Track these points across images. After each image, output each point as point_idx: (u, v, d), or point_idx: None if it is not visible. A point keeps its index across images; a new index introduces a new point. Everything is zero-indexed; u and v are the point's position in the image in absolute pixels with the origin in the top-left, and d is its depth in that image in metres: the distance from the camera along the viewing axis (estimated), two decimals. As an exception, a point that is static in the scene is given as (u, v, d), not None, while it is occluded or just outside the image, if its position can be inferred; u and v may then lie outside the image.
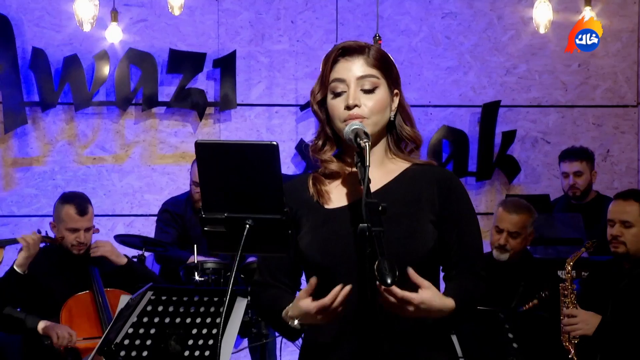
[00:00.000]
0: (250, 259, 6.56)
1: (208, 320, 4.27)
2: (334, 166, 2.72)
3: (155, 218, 7.03)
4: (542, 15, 6.06)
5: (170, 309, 4.16)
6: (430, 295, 2.48)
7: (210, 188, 2.33)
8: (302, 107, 7.87)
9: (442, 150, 7.93)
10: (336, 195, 2.69)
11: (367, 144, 2.49)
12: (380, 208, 2.34)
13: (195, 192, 6.67)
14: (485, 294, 2.71)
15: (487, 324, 4.07)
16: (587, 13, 6.68)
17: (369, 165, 2.44)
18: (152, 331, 4.15)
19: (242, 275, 6.07)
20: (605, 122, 8.19)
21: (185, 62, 7.70)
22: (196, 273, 5.87)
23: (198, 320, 4.24)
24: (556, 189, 7.66)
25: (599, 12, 7.41)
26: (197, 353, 4.27)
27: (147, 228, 7.48)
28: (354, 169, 2.69)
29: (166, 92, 7.74)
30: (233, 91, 7.74)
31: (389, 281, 2.24)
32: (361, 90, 2.67)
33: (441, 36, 8.04)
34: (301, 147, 7.83)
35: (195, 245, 6.10)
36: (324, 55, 7.76)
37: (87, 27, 5.29)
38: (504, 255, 5.21)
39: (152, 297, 4.08)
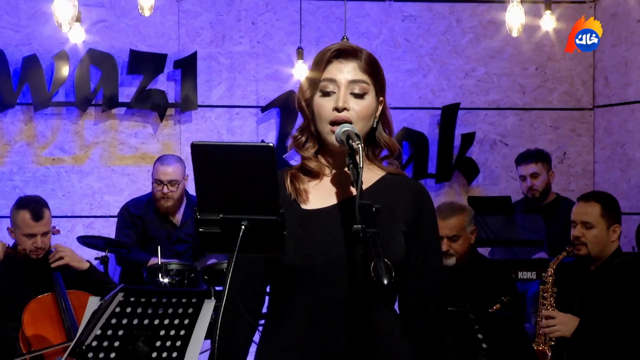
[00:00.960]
0: (211, 261, 6.57)
1: (176, 321, 4.23)
2: (314, 165, 2.72)
3: (115, 219, 6.99)
4: (515, 19, 6.10)
5: (139, 310, 4.13)
6: None
7: (205, 189, 2.33)
8: (263, 109, 7.88)
9: (402, 152, 7.97)
10: (314, 196, 2.69)
11: (359, 145, 2.50)
12: (374, 209, 2.35)
13: (157, 190, 6.66)
14: (450, 336, 2.76)
15: (456, 325, 4.10)
16: (547, 17, 6.74)
17: (362, 167, 2.45)
18: (120, 333, 4.12)
19: (205, 277, 6.07)
20: (562, 125, 8.28)
21: (145, 63, 7.68)
22: (160, 275, 5.86)
23: (166, 321, 4.21)
24: (514, 191, 7.75)
25: (558, 17, 7.48)
26: (164, 354, 4.24)
27: (107, 229, 7.44)
28: (334, 171, 2.72)
29: (126, 93, 7.71)
30: (194, 92, 7.73)
31: (385, 282, 2.26)
32: (351, 93, 2.67)
33: (401, 39, 8.08)
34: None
35: (159, 247, 6.08)
36: (285, 56, 7.85)
37: (65, 28, 5.25)
38: (450, 260, 5.21)
39: (122, 299, 4.07)
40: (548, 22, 6.95)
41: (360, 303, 2.58)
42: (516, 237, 6.67)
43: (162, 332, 4.21)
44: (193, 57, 7.73)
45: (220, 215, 2.31)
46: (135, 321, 4.13)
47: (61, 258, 5.70)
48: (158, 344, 4.20)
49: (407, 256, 2.65)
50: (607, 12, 8.13)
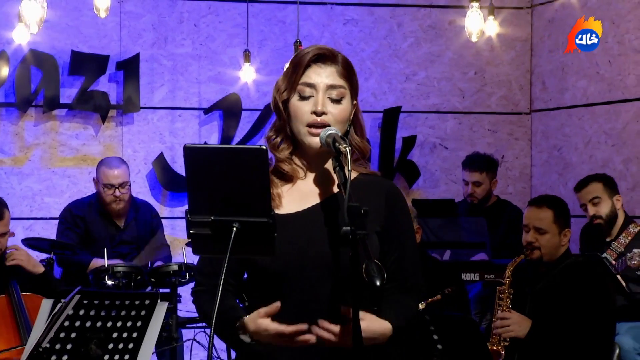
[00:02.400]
0: (158, 264, 6.56)
1: (129, 324, 4.23)
2: (288, 167, 2.74)
3: (56, 222, 6.94)
4: (474, 24, 6.18)
5: (92, 312, 4.12)
6: (366, 325, 2.53)
7: (198, 191, 2.34)
8: (206, 111, 7.88)
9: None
10: (288, 200, 2.70)
11: (347, 149, 2.53)
12: (362, 211, 2.38)
13: (108, 195, 6.63)
14: (418, 305, 2.81)
15: (411, 326, 4.15)
16: (491, 22, 6.83)
17: (351, 170, 2.47)
18: (73, 335, 4.11)
19: (152, 279, 6.06)
20: (500, 129, 8.41)
21: (87, 64, 7.62)
22: (106, 277, 5.83)
23: (119, 324, 4.20)
24: (454, 194, 7.85)
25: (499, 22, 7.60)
26: (116, 357, 4.24)
27: (48, 231, 7.37)
28: (308, 173, 2.75)
29: (67, 94, 7.65)
30: (136, 94, 7.69)
31: (377, 283, 2.29)
32: (328, 98, 2.70)
33: (343, 42, 8.13)
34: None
35: (105, 250, 6.05)
36: (228, 59, 7.83)
37: (34, 29, 5.20)
38: None
39: (76, 301, 4.05)
40: (492, 27, 7.05)
41: (342, 304, 2.59)
42: (459, 239, 6.75)
43: (115, 335, 4.20)
44: (136, 58, 7.69)
45: (212, 218, 2.33)
46: (89, 323, 4.12)
47: (15, 260, 5.62)
48: (111, 346, 4.19)
49: (382, 256, 2.68)
50: (543, 18, 8.27)
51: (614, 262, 5.71)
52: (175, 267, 6.04)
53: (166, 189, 7.83)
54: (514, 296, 4.86)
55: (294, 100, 2.72)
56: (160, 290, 5.96)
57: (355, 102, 2.79)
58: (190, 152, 2.34)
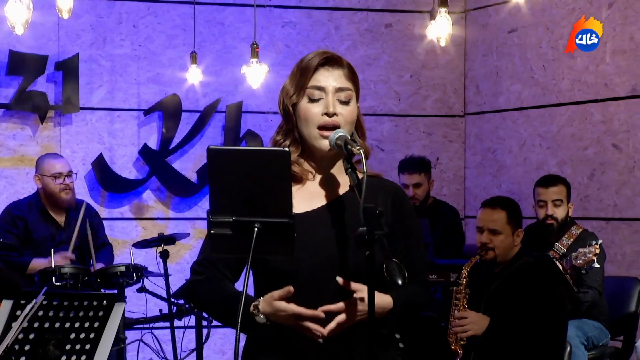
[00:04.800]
0: (100, 264, 6.54)
1: (87, 324, 4.24)
2: (298, 169, 2.78)
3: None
4: (442, 29, 6.25)
5: (51, 313, 4.12)
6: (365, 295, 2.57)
7: (219, 192, 2.38)
8: (146, 112, 7.87)
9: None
10: (298, 200, 2.69)
11: (361, 151, 2.59)
12: (377, 212, 2.44)
13: (57, 184, 6.63)
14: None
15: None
16: (433, 26, 6.91)
17: (366, 172, 2.52)
18: (31, 336, 4.10)
19: (99, 280, 6.04)
20: (435, 131, 8.54)
21: (25, 64, 7.55)
22: (54, 278, 5.80)
23: (77, 324, 4.20)
24: (390, 195, 7.93)
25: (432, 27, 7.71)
26: (74, 358, 4.24)
27: (-17, 233, 7.29)
28: (317, 175, 2.80)
29: (5, 94, 7.58)
30: (76, 94, 7.65)
31: (399, 282, 2.35)
32: (337, 100, 2.76)
33: (281, 45, 8.19)
34: (145, 152, 7.82)
35: (52, 250, 6.02)
36: (166, 60, 7.82)
37: (19, 31, 5.15)
38: None
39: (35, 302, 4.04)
40: (434, 31, 7.14)
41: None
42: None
43: (73, 335, 4.20)
44: (75, 59, 7.65)
45: (233, 218, 2.37)
46: (47, 324, 4.11)
47: None
48: (68, 347, 4.19)
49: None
50: (477, 22, 8.42)
51: (557, 264, 5.84)
52: (123, 268, 6.04)
53: (105, 189, 7.80)
54: (469, 296, 4.96)
55: (304, 103, 2.78)
56: (107, 291, 5.97)
57: (357, 104, 2.85)
58: (214, 154, 2.38)
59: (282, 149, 2.44)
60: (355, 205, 2.60)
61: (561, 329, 4.83)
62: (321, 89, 2.77)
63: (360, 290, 2.58)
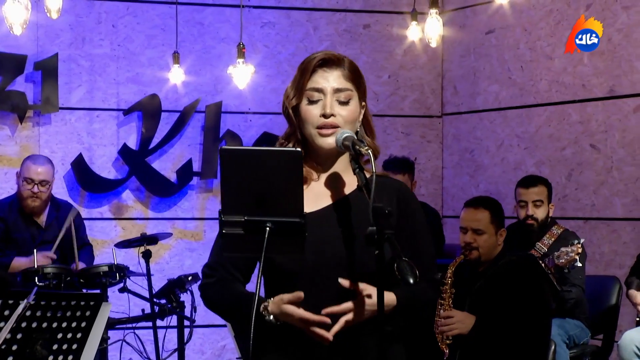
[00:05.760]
0: (80, 267, 6.53)
1: (74, 324, 4.24)
2: (304, 171, 2.79)
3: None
4: (433, 30, 6.28)
5: (38, 313, 4.12)
6: (372, 290, 2.60)
7: (231, 192, 2.40)
8: (126, 112, 7.86)
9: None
10: (304, 200, 2.69)
11: (369, 151, 2.61)
12: (386, 211, 2.46)
13: (26, 189, 6.56)
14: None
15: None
16: (414, 28, 6.95)
17: (375, 172, 2.53)
18: (19, 336, 4.10)
19: (81, 280, 6.04)
20: (412, 132, 8.58)
21: (4, 64, 7.52)
22: (37, 278, 5.79)
23: (64, 324, 4.21)
24: (369, 195, 7.96)
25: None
26: (60, 357, 4.24)
27: (-37, 233, 7.25)
28: (321, 175, 2.82)
29: (-17, 94, 7.55)
30: (55, 94, 7.63)
31: (411, 281, 2.36)
32: (336, 100, 2.78)
33: (260, 45, 8.20)
34: (124, 152, 7.81)
35: (35, 250, 6.01)
36: (146, 60, 7.80)
37: (17, 31, 5.13)
38: None
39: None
40: (415, 32, 7.19)
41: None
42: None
43: (60, 335, 4.21)
44: (54, 58, 7.63)
45: (245, 218, 2.39)
46: (34, 324, 4.11)
47: None
48: (55, 347, 4.20)
49: None
50: (455, 23, 8.46)
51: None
52: (106, 268, 6.03)
53: (84, 189, 7.79)
54: (454, 295, 4.99)
55: (303, 105, 2.80)
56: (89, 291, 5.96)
57: (364, 103, 2.86)
58: (226, 154, 2.40)
59: (294, 149, 2.47)
60: (362, 205, 2.63)
61: (546, 326, 4.87)
62: (319, 90, 2.78)
63: (365, 289, 2.61)
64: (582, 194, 7.43)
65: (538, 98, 7.79)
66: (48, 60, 7.64)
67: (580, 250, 5.63)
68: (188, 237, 8.06)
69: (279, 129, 8.18)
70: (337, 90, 2.78)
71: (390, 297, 2.68)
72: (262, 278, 2.54)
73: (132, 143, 7.89)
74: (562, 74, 7.59)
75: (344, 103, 2.79)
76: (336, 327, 2.60)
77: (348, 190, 2.81)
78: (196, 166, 8.00)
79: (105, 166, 7.88)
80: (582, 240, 5.73)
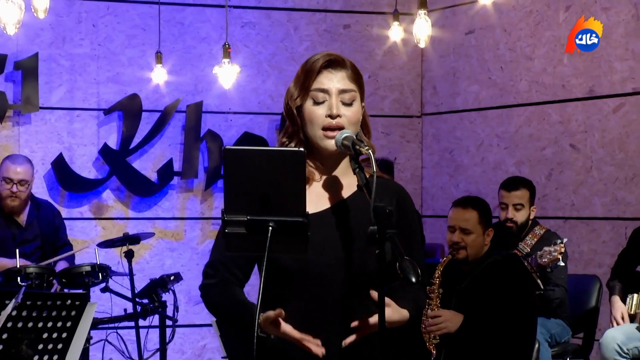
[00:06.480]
0: (62, 264, 6.52)
1: (59, 324, 4.24)
2: (306, 171, 2.77)
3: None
4: (422, 31, 6.30)
5: (24, 313, 4.12)
6: (391, 312, 2.62)
7: (234, 192, 2.40)
8: (106, 112, 7.84)
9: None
10: (307, 201, 2.67)
11: (370, 151, 2.62)
12: (387, 211, 2.48)
13: (5, 189, 6.54)
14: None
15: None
16: (396, 28, 6.98)
17: (375, 172, 2.54)
18: (4, 336, 4.09)
19: (63, 280, 6.02)
20: (392, 132, 8.60)
21: (-16, 63, 7.50)
22: (19, 278, 5.77)
23: (49, 324, 4.21)
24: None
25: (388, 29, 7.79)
26: (46, 357, 4.24)
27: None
28: (324, 175, 2.83)
29: (-38, 93, 7.52)
30: (35, 94, 7.60)
31: (413, 280, 2.37)
32: (341, 101, 2.79)
33: (240, 45, 8.20)
34: (105, 151, 7.80)
35: (17, 250, 6.00)
36: (126, 59, 7.78)
37: (11, 31, 5.10)
38: None
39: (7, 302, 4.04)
40: (396, 32, 7.22)
41: (356, 303, 2.70)
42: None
43: (45, 335, 4.20)
44: (35, 58, 7.60)
45: (247, 217, 2.40)
46: (20, 324, 4.11)
47: None
48: (40, 346, 4.19)
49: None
50: (435, 24, 8.44)
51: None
52: (88, 268, 6.02)
53: (65, 189, 7.77)
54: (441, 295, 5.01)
55: (308, 105, 2.80)
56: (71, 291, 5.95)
57: (363, 104, 2.88)
58: (230, 154, 2.41)
59: (298, 149, 2.48)
60: (363, 206, 2.64)
61: (532, 325, 4.89)
62: (325, 91, 2.79)
63: (387, 304, 2.60)
64: (562, 193, 7.48)
65: (518, 98, 7.83)
66: (28, 60, 7.62)
67: (563, 250, 5.67)
68: (168, 237, 8.05)
69: (259, 128, 8.21)
70: (342, 92, 2.79)
71: (403, 314, 2.70)
72: (263, 279, 2.54)
73: (113, 143, 7.88)
74: (542, 74, 7.64)
75: (348, 104, 2.79)
76: (348, 340, 2.64)
77: (350, 190, 2.81)
78: (177, 166, 8.00)
79: (85, 166, 7.86)
80: (565, 240, 5.77)
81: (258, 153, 2.44)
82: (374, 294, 2.58)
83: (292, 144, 2.80)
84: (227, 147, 2.40)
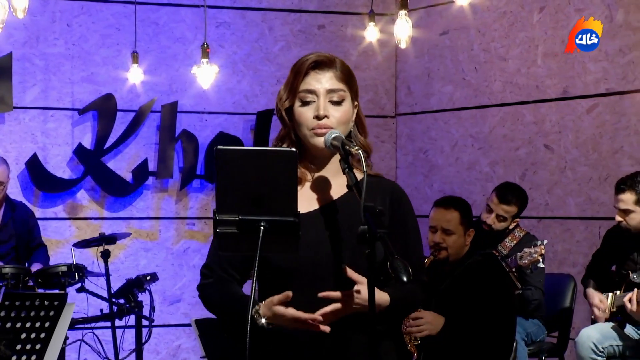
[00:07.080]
0: (37, 265, 6.50)
1: (37, 324, 4.23)
2: (298, 172, 2.74)
3: None
4: (403, 31, 6.31)
5: (2, 313, 4.11)
6: (364, 289, 2.60)
7: (226, 191, 2.41)
8: (81, 112, 7.82)
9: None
10: (299, 201, 2.67)
11: (359, 151, 2.63)
12: (377, 210, 2.48)
13: None
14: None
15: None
16: (372, 29, 6.99)
17: (366, 172, 2.55)
18: (-17, 337, 4.08)
19: (39, 280, 6.00)
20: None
21: (-43, 64, 7.46)
22: (-6, 278, 5.76)
23: (28, 324, 4.20)
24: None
25: (362, 29, 7.81)
26: (24, 357, 4.22)
27: None
28: (315, 175, 2.84)
29: (-64, 93, 7.47)
30: (9, 93, 7.56)
31: (404, 279, 2.38)
32: (329, 101, 2.80)
33: (215, 45, 8.19)
34: (79, 151, 7.77)
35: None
36: (100, 59, 7.75)
37: None
38: None
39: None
40: (372, 33, 7.24)
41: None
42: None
43: (24, 335, 4.19)
44: (9, 57, 7.56)
45: (239, 217, 2.41)
46: (-2, 324, 4.10)
47: None
48: (19, 347, 4.18)
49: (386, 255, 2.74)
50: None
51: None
52: (64, 268, 6.01)
53: (39, 189, 7.73)
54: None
55: (297, 107, 2.81)
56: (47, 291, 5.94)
57: (356, 103, 2.88)
58: (222, 154, 2.41)
59: (289, 149, 2.48)
60: (353, 206, 2.65)
61: (511, 324, 4.91)
62: (312, 92, 2.79)
63: (361, 282, 2.61)
64: (536, 193, 7.52)
65: (492, 99, 7.87)
66: (2, 59, 7.58)
67: (543, 252, 5.70)
68: (143, 237, 8.03)
69: (234, 128, 8.20)
70: (330, 91, 2.79)
71: (383, 297, 2.69)
72: (255, 279, 2.55)
73: (87, 142, 7.85)
74: (516, 75, 7.68)
75: (337, 103, 2.80)
76: (327, 308, 2.61)
77: (341, 191, 2.82)
78: (152, 166, 7.99)
79: (60, 166, 7.83)
80: (545, 242, 5.80)
81: (250, 153, 2.46)
82: (349, 271, 2.60)
83: (284, 146, 2.81)
84: (219, 147, 2.41)
